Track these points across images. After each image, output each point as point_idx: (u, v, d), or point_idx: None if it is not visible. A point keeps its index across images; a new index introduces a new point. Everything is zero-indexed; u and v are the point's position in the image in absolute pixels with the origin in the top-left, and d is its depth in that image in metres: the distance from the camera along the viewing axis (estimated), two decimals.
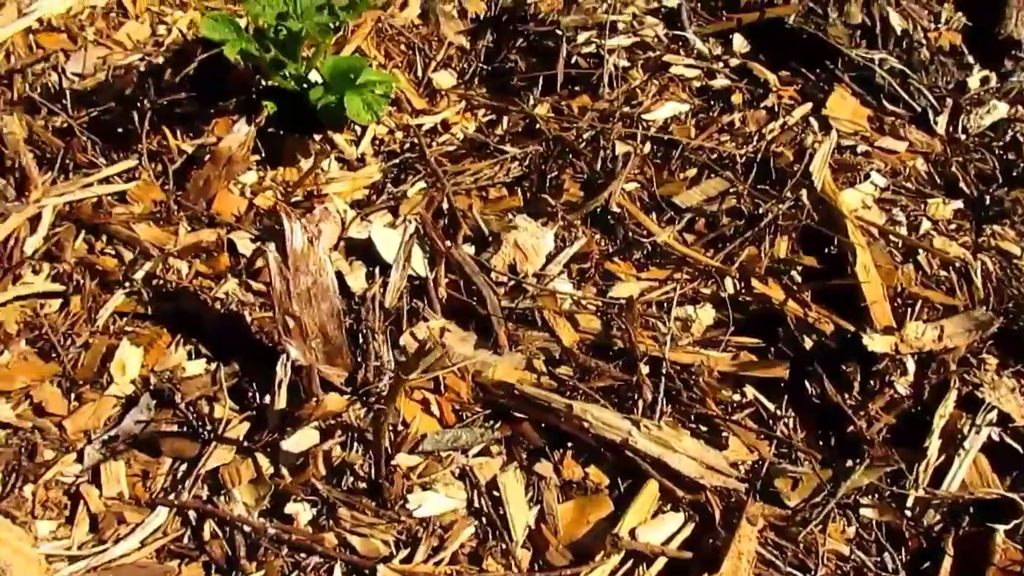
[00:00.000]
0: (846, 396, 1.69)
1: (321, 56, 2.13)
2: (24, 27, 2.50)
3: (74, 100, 2.29)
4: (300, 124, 2.24)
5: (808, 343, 1.77)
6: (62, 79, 2.38)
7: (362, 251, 1.97)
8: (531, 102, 2.34)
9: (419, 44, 2.57)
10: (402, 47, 2.57)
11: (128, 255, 1.91)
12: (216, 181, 2.02)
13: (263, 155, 2.18)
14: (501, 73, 2.46)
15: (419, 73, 2.51)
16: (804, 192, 2.05)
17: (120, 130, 2.19)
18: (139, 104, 2.22)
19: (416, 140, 2.25)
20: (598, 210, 2.04)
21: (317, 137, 2.25)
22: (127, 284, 1.83)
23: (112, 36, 2.55)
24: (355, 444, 1.58)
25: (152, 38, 2.56)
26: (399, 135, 2.32)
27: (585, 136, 2.20)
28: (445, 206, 2.06)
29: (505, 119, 2.32)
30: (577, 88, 2.35)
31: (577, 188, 2.11)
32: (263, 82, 2.25)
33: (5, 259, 1.90)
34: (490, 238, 2.00)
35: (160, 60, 2.46)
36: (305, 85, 2.15)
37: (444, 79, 2.51)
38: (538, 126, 2.24)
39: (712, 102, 2.30)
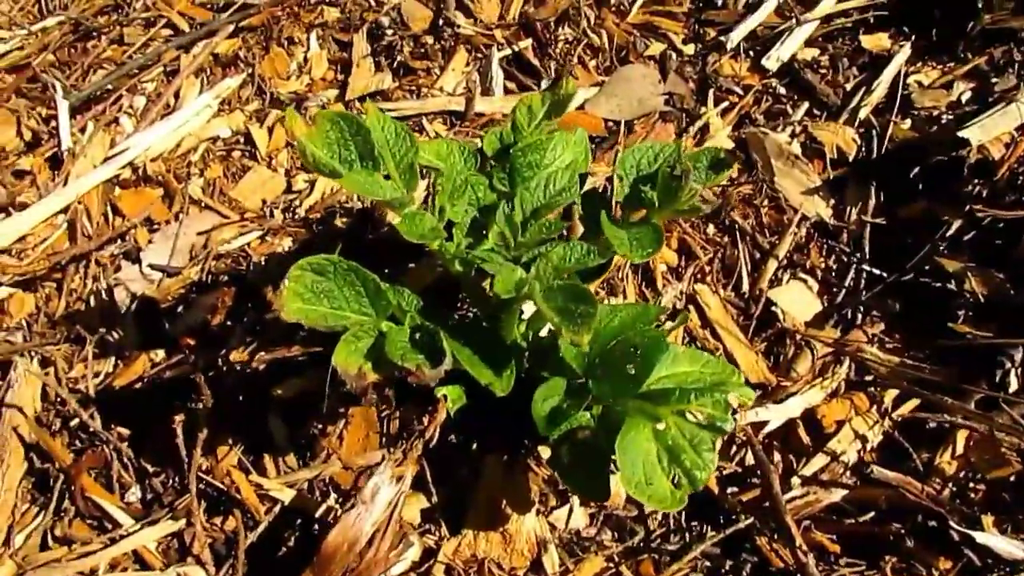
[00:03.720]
0: None
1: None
2: (106, 179, 1.57)
3: (127, 333, 1.30)
4: (504, 429, 1.08)
5: None
6: (129, 285, 1.40)
7: None
8: None
9: (739, 220, 1.33)
10: (709, 231, 1.34)
11: None
12: None
13: (432, 499, 1.04)
14: (920, 309, 1.17)
15: (744, 286, 1.27)
16: None
17: (175, 426, 1.14)
18: (219, 362, 1.18)
19: (763, 477, 1.02)
20: None
21: (542, 454, 1.09)
22: None
23: (228, 191, 1.55)
24: None
25: (284, 196, 1.53)
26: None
27: None
28: None
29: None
30: None
31: None
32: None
33: None
34: None
35: (286, 246, 1.43)
36: (522, 368, 0.99)
37: (796, 300, 1.25)
38: None
39: None
